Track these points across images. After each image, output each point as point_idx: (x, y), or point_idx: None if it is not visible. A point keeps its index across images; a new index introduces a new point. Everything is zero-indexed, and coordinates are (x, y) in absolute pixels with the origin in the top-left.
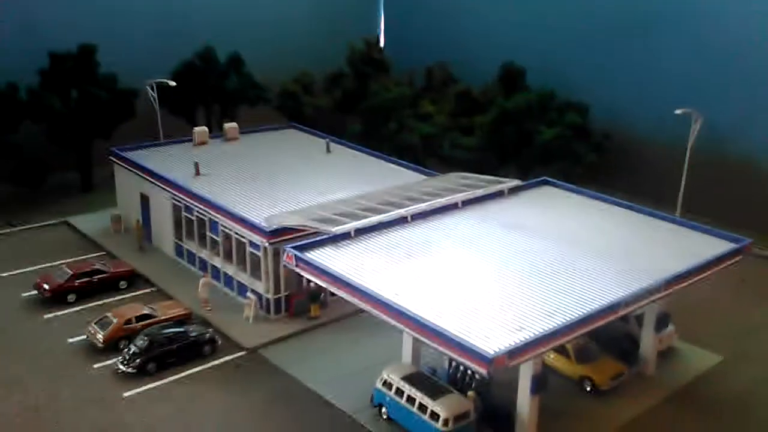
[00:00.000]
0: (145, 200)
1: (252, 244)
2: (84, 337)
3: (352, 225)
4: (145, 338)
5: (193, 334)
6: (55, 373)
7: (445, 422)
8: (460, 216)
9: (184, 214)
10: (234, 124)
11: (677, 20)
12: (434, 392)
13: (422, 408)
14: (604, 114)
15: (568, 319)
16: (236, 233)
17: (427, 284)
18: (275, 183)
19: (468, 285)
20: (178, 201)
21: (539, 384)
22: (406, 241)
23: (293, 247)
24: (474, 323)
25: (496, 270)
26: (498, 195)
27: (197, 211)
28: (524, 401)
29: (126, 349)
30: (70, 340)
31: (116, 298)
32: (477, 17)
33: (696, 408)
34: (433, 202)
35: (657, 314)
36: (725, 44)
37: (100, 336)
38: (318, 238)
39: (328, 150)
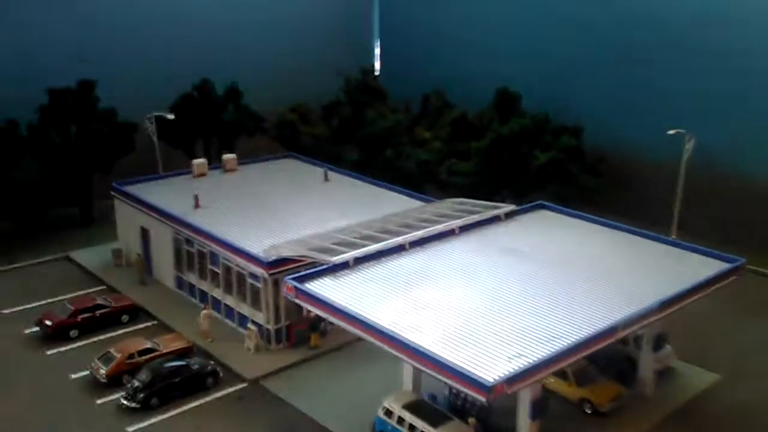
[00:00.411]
0: (145, 234)
1: (252, 275)
2: (87, 372)
3: (350, 254)
4: (148, 372)
5: (195, 367)
6: (58, 409)
7: None
8: (458, 242)
9: (184, 246)
10: (232, 156)
11: (667, 41)
12: (436, 420)
13: None
14: (597, 137)
15: (567, 343)
16: (236, 265)
17: (425, 313)
18: (274, 213)
19: (466, 313)
20: (179, 234)
21: (538, 409)
22: (405, 270)
23: (293, 278)
24: (473, 351)
25: (493, 296)
26: (494, 220)
27: (197, 244)
28: (524, 427)
29: (129, 384)
30: (73, 375)
31: (118, 333)
32: (472, 45)
33: (694, 427)
34: (430, 229)
35: (654, 335)
36: (716, 63)
37: (102, 371)
38: (317, 268)
39: (326, 179)
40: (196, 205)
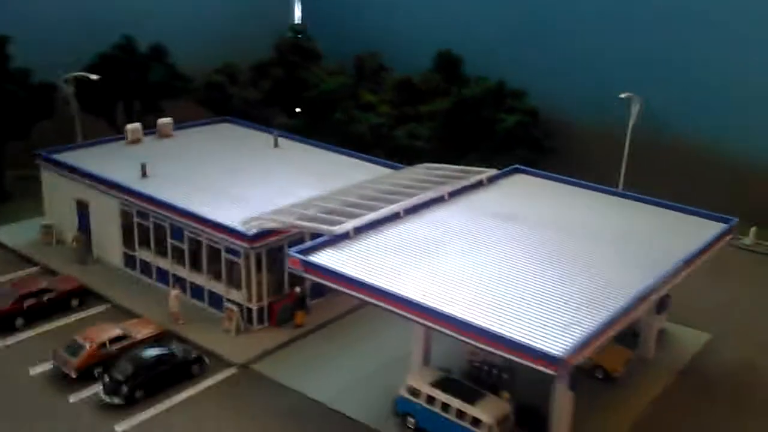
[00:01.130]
0: (82, 207)
1: (229, 249)
2: (49, 366)
3: (351, 224)
4: (130, 363)
5: (180, 354)
6: (26, 411)
7: (489, 428)
8: (450, 208)
9: (136, 220)
10: (168, 120)
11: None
12: (470, 397)
13: (461, 415)
14: (541, 101)
15: (616, 309)
16: (208, 239)
17: (450, 284)
18: (233, 182)
19: (493, 281)
20: (129, 206)
21: (576, 380)
22: (409, 238)
23: (297, 251)
24: (521, 322)
25: (512, 264)
26: (478, 185)
27: (154, 216)
28: (562, 398)
29: (106, 377)
30: (33, 371)
31: (71, 320)
32: (400, 5)
33: (704, 387)
34: (421, 195)
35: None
36: (664, 28)
37: (72, 363)
38: (318, 240)
39: (276, 144)
40: (144, 174)
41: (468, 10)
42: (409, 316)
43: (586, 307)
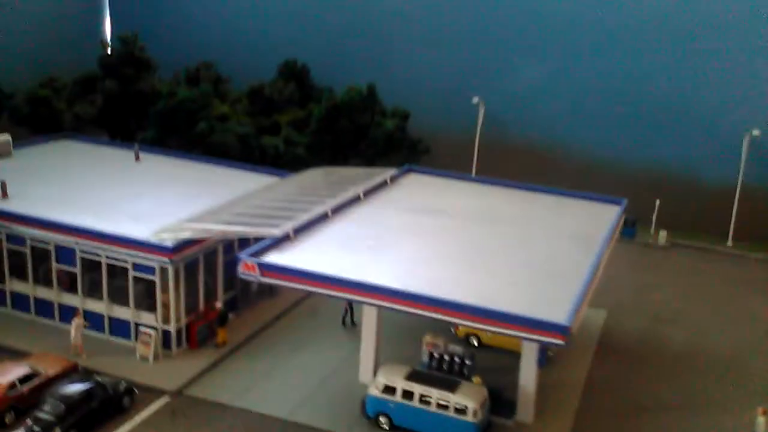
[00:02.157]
0: None
1: (140, 267)
2: None
3: (289, 225)
4: (58, 402)
5: (109, 386)
6: None
7: (474, 413)
8: (370, 206)
9: (6, 246)
10: (7, 137)
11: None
12: (448, 386)
13: (443, 404)
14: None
15: (583, 279)
16: (110, 257)
17: (425, 273)
18: (115, 198)
19: (460, 267)
20: None
21: (545, 356)
22: (351, 236)
23: (251, 255)
24: (506, 301)
25: (464, 251)
26: (383, 184)
27: (33, 240)
28: (529, 375)
29: (30, 421)
30: None
31: None
32: (233, 17)
33: (621, 356)
34: (340, 195)
35: None
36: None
37: None
38: (260, 245)
39: (138, 158)
40: (4, 194)
41: (306, 20)
42: (396, 306)
43: (558, 282)
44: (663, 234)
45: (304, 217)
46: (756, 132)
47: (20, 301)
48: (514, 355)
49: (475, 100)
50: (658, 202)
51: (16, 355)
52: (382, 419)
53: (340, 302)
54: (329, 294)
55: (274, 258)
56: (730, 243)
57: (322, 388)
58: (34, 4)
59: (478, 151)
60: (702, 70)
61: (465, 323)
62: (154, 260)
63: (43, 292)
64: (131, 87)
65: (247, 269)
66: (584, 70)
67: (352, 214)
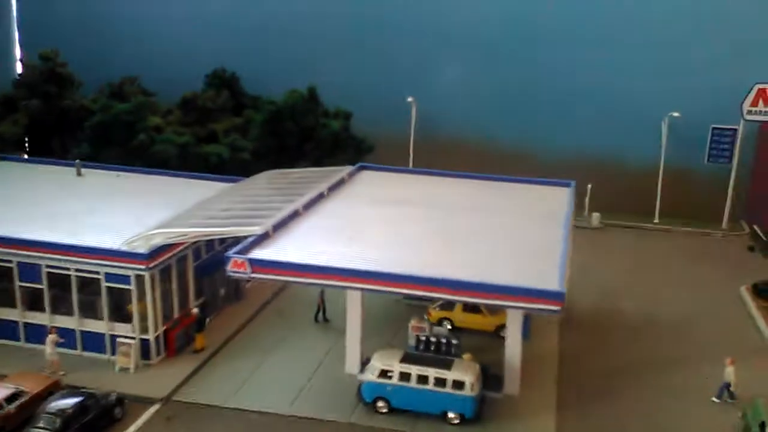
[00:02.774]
0: None
1: (113, 277)
2: None
3: (268, 222)
4: (55, 417)
5: (100, 398)
6: None
7: (471, 386)
8: (336, 202)
9: None
10: None
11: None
12: (442, 364)
13: (440, 382)
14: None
15: (553, 254)
16: (80, 270)
17: (413, 257)
18: (71, 213)
19: (444, 249)
20: None
21: (529, 329)
22: (328, 229)
23: (235, 253)
24: (496, 276)
25: (442, 235)
26: (342, 181)
27: None
28: (514, 349)
29: None
30: None
31: None
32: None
33: (584, 327)
34: (305, 193)
35: None
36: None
37: None
38: (243, 243)
39: (79, 173)
40: None
41: (227, 29)
42: (393, 289)
43: (536, 256)
44: (596, 216)
45: (277, 215)
46: (675, 114)
47: None
48: (485, 335)
49: (410, 99)
50: (590, 186)
51: None
52: (380, 403)
53: (308, 302)
54: (323, 284)
55: (259, 254)
56: (657, 219)
57: (312, 381)
58: None
59: (413, 147)
60: (621, 61)
61: (463, 299)
62: (128, 269)
63: (5, 313)
64: (55, 104)
65: (236, 267)
66: (509, 64)
67: (321, 210)
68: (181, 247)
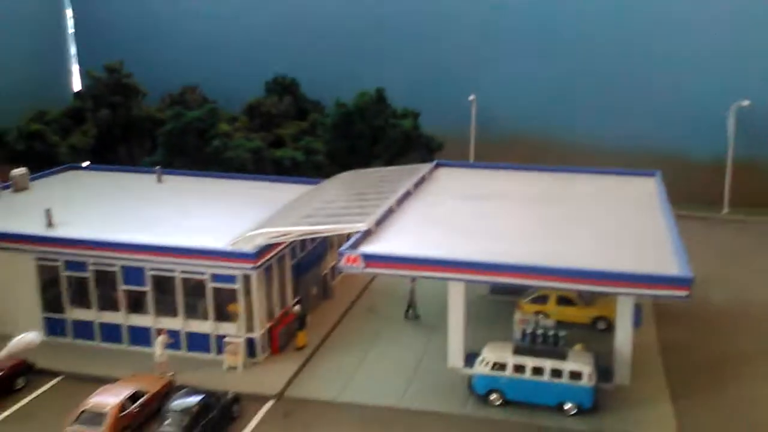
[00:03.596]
0: None
1: (220, 277)
2: None
3: (370, 219)
4: (180, 414)
5: (220, 396)
6: None
7: (590, 376)
8: (424, 198)
9: (65, 274)
10: (24, 170)
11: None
12: (557, 355)
13: (557, 373)
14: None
15: (666, 243)
16: (185, 271)
17: (520, 250)
18: (160, 218)
19: (552, 240)
20: (52, 260)
21: (640, 317)
22: (424, 223)
23: (347, 248)
24: (615, 265)
25: (547, 226)
26: (423, 179)
27: (97, 264)
28: (625, 338)
29: None
30: None
31: (22, 403)
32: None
33: (679, 320)
34: (395, 191)
35: None
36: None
37: None
38: (351, 240)
39: (160, 180)
40: (50, 223)
41: (285, 36)
42: (515, 280)
43: (647, 243)
44: None
45: (376, 212)
46: (745, 102)
47: (83, 329)
48: (583, 327)
49: (471, 97)
50: None
51: (98, 382)
52: (493, 396)
53: (396, 299)
54: (437, 276)
55: (371, 249)
56: (726, 209)
57: (417, 375)
58: None
59: (474, 145)
60: (684, 49)
61: (585, 288)
62: (235, 268)
63: (109, 317)
64: (122, 114)
65: (349, 262)
66: (567, 58)
67: (412, 206)
68: (281, 247)
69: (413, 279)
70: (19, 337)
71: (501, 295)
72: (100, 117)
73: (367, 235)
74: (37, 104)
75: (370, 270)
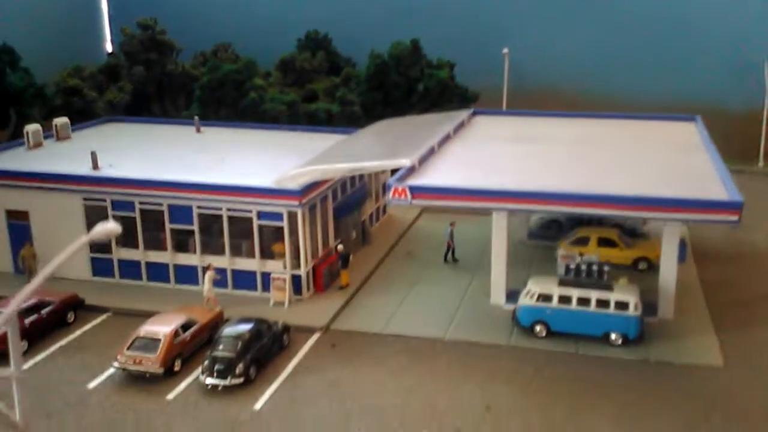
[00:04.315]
0: (17, 218)
1: (266, 215)
2: (111, 371)
3: (414, 156)
4: (234, 339)
5: (272, 325)
6: (145, 427)
7: (636, 306)
8: (466, 141)
9: (113, 213)
10: (65, 120)
11: None
12: (604, 286)
13: (603, 303)
14: None
15: (713, 176)
16: (232, 209)
17: (569, 182)
18: (201, 163)
19: (598, 176)
20: (100, 200)
21: (685, 251)
22: (469, 161)
23: (398, 180)
24: (669, 190)
25: (593, 165)
26: (462, 124)
27: (141, 204)
28: (670, 273)
29: (207, 361)
30: (90, 385)
31: (75, 335)
32: None
33: (718, 260)
34: (435, 134)
35: None
36: None
37: (152, 360)
38: (396, 175)
39: (198, 130)
40: (95, 166)
41: None
42: (565, 209)
43: (694, 176)
44: None
45: (419, 150)
46: None
47: (129, 269)
48: (624, 269)
49: (505, 50)
50: None
51: (146, 317)
52: (538, 327)
53: (434, 244)
54: (483, 207)
55: (414, 182)
56: (761, 163)
57: (460, 311)
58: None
59: (506, 99)
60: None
61: (636, 215)
62: (281, 206)
63: (155, 256)
64: (157, 71)
65: (397, 194)
66: (602, 11)
67: (454, 148)
68: (324, 187)
69: (452, 222)
70: (101, 225)
71: (538, 240)
72: (134, 74)
73: (411, 171)
74: (72, 62)
75: (416, 202)
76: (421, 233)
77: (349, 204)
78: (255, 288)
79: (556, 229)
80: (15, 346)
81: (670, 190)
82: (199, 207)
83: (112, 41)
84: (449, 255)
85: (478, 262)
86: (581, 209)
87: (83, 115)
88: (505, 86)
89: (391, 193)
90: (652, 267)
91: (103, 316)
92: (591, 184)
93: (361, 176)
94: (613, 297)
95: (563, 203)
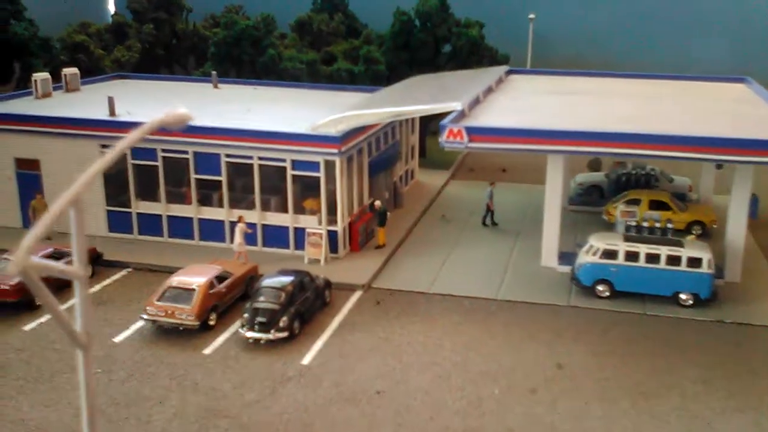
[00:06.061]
0: (28, 166)
1: (301, 164)
2: (138, 326)
3: (463, 100)
4: (276, 290)
5: (315, 279)
6: (182, 381)
7: (709, 263)
8: (509, 93)
9: (132, 162)
10: (75, 71)
11: None
12: (672, 242)
13: (674, 260)
14: None
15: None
16: (264, 158)
17: (624, 127)
18: (230, 113)
19: (651, 121)
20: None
21: (757, 207)
22: (517, 109)
23: (452, 121)
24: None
25: (646, 113)
26: (501, 80)
27: (164, 151)
28: (739, 231)
29: (248, 314)
30: (116, 339)
31: (93, 290)
32: None
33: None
34: (477, 86)
35: None
36: None
37: (186, 311)
38: (446, 120)
39: (216, 86)
40: (111, 112)
41: None
42: (629, 151)
43: (750, 120)
44: None
45: (467, 95)
46: None
47: (149, 224)
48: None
49: (531, 15)
50: None
51: (171, 273)
52: (600, 287)
53: (469, 208)
54: (542, 150)
55: (471, 123)
56: None
57: (511, 272)
58: None
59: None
60: None
61: (701, 158)
62: (318, 153)
63: (178, 210)
64: (167, 30)
65: (452, 136)
66: None
67: (498, 99)
68: (363, 136)
69: (492, 182)
70: (171, 109)
71: (580, 206)
72: (143, 32)
73: (462, 116)
74: (75, 21)
75: (474, 145)
76: (453, 198)
77: (382, 161)
78: (287, 245)
79: (597, 194)
80: (79, 236)
81: (734, 133)
82: (228, 155)
83: (116, 1)
84: (489, 218)
85: (519, 228)
86: (652, 152)
87: (90, 74)
88: (529, 52)
89: (445, 135)
90: (706, 233)
91: (123, 272)
92: (655, 129)
93: (394, 134)
94: (685, 253)
95: (636, 145)
